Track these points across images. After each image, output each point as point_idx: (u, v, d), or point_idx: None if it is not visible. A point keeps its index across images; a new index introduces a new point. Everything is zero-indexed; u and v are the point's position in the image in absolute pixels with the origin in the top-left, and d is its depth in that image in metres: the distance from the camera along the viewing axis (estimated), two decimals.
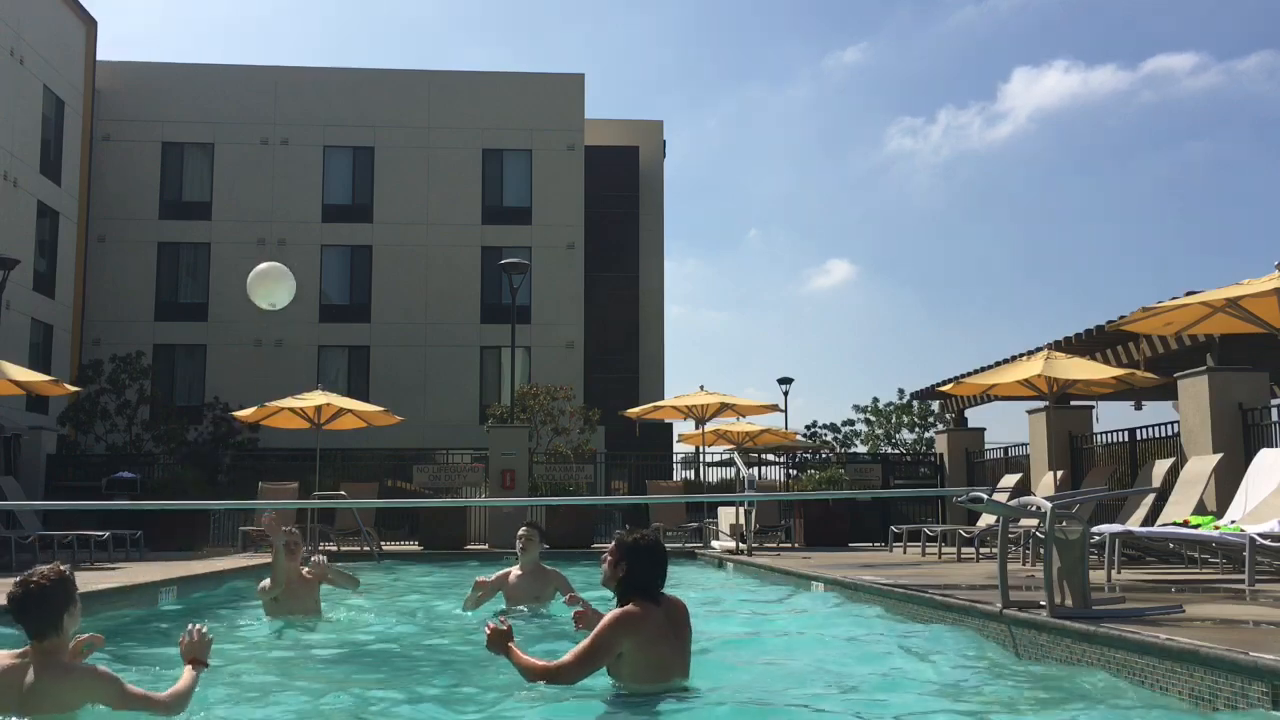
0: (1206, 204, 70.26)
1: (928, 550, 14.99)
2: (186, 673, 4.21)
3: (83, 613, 4.24)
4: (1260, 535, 8.27)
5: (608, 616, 4.90)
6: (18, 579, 4.04)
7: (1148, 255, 70.21)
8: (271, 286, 8.09)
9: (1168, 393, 15.00)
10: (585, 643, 4.85)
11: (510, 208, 35.72)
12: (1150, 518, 10.90)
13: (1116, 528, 9.85)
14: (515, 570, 8.52)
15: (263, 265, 8.22)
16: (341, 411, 18.60)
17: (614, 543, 5.08)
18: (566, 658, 4.85)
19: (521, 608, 8.27)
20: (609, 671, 4.91)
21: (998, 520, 7.08)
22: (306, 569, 8.02)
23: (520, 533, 8.56)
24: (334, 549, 17.58)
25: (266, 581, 7.91)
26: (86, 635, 4.29)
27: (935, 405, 37.64)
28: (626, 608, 4.88)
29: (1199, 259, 68.41)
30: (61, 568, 4.12)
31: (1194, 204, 70.56)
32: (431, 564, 15.85)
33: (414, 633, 7.99)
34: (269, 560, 8.00)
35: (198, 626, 4.43)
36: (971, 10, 68.00)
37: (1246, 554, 8.07)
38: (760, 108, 73.96)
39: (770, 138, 74.45)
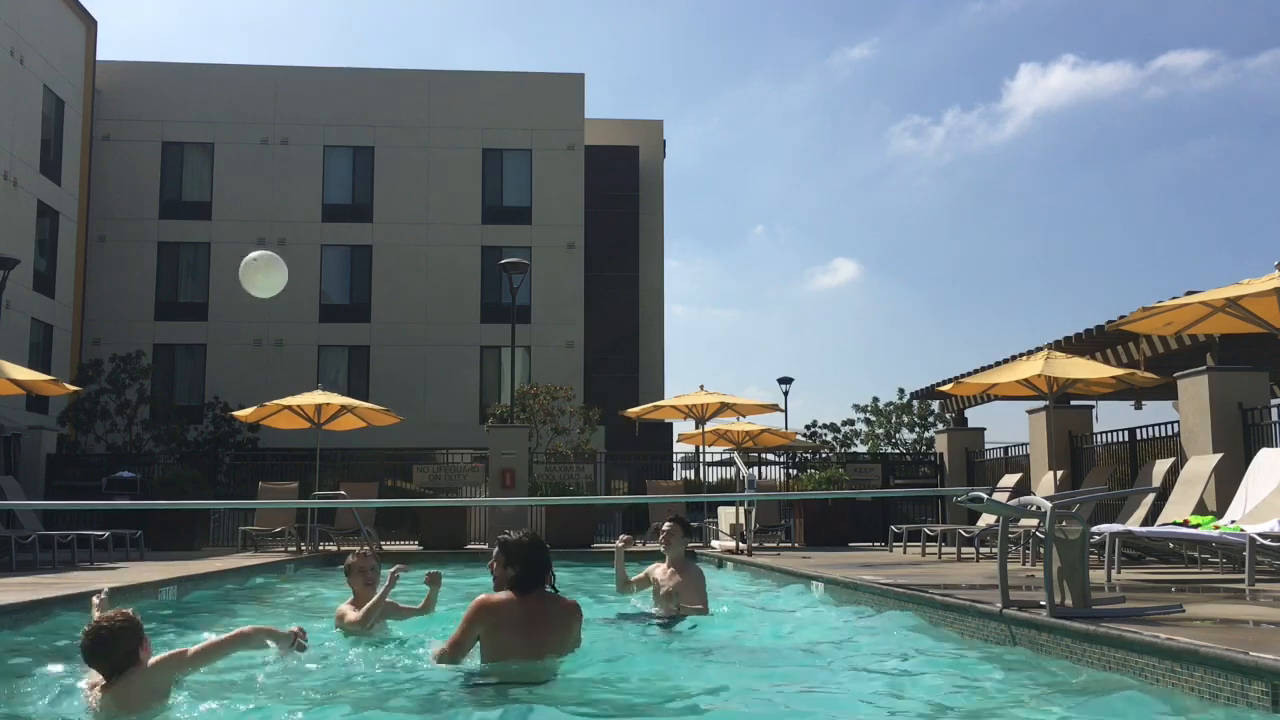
0: (1210, 203, 70.29)
1: (928, 550, 14.99)
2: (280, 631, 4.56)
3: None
4: (1260, 535, 8.27)
5: (472, 602, 5.37)
6: (87, 629, 4.35)
7: (1149, 255, 70.25)
8: (264, 277, 7.84)
9: (1168, 392, 15.00)
10: (455, 631, 5.38)
11: (510, 207, 35.74)
12: (1150, 517, 10.91)
13: (1116, 527, 9.85)
14: (660, 565, 8.22)
15: (254, 255, 7.96)
16: (341, 411, 18.59)
17: (499, 546, 5.52)
18: (445, 646, 5.40)
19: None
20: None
21: (998, 520, 7.09)
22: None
23: (665, 527, 8.19)
24: (334, 549, 17.58)
25: (350, 611, 7.02)
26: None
27: (935, 405, 37.65)
28: (488, 595, 5.40)
29: (1201, 259, 68.45)
30: (127, 611, 4.47)
31: (1198, 203, 70.61)
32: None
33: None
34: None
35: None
36: (980, 5, 68.04)
37: (1246, 554, 8.07)
38: (766, 105, 74.02)
39: (776, 135, 74.49)
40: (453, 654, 5.34)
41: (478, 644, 5.35)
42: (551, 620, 5.41)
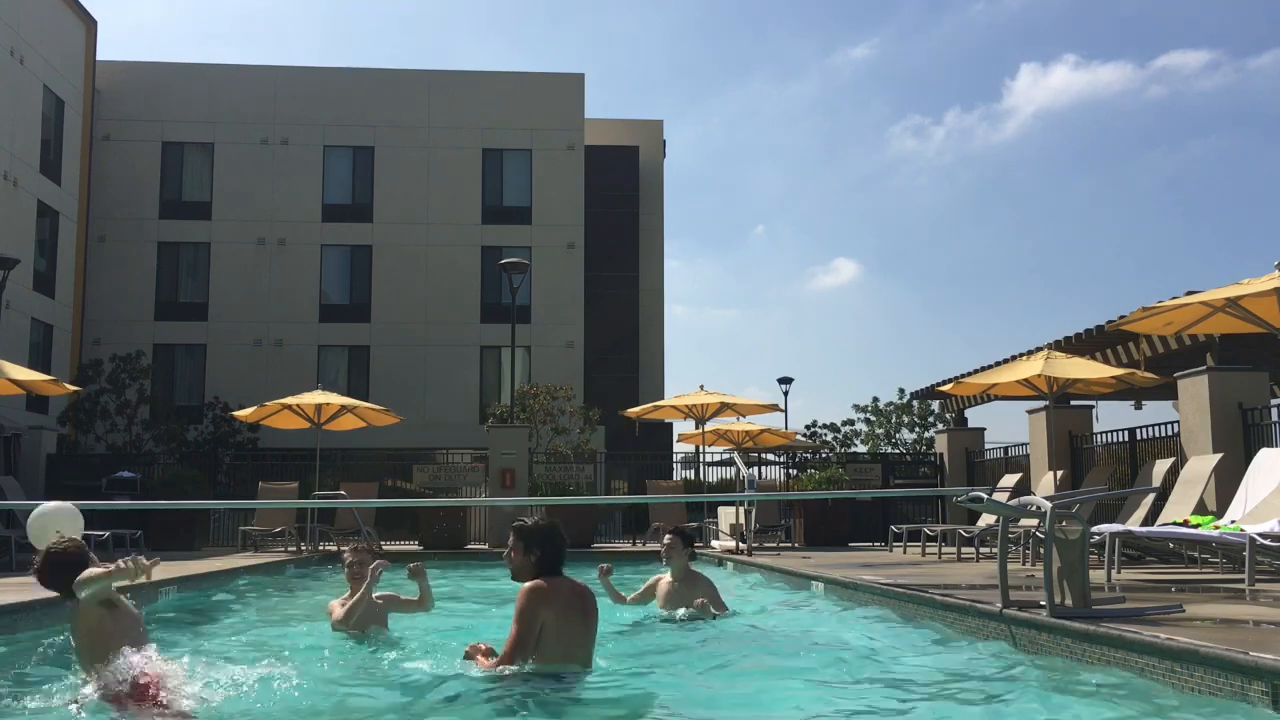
0: (1210, 203, 70.28)
1: (928, 550, 14.99)
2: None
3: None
4: (1260, 535, 8.27)
5: (522, 592, 5.05)
6: (43, 552, 4.94)
7: (1149, 255, 70.26)
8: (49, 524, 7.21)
9: (1168, 392, 15.00)
10: (512, 629, 5.01)
11: (510, 207, 35.74)
12: (1150, 517, 10.91)
13: (1116, 527, 9.85)
14: (666, 577, 8.26)
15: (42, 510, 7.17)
16: (341, 411, 18.59)
17: (514, 533, 5.25)
18: (504, 650, 5.04)
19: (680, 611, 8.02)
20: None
21: (998, 520, 7.09)
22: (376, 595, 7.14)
23: (665, 541, 8.24)
24: (334, 549, 17.59)
25: (338, 608, 7.11)
26: None
27: (935, 405, 37.65)
28: (536, 581, 5.07)
29: (1201, 259, 68.45)
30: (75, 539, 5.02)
31: (1198, 203, 70.59)
32: (431, 565, 15.82)
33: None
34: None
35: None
36: (981, 5, 68.03)
37: (1246, 554, 8.07)
38: (766, 105, 74.02)
39: (776, 135, 74.48)
40: (517, 656, 4.98)
41: None
42: (591, 601, 5.24)
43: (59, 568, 4.80)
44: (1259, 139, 66.77)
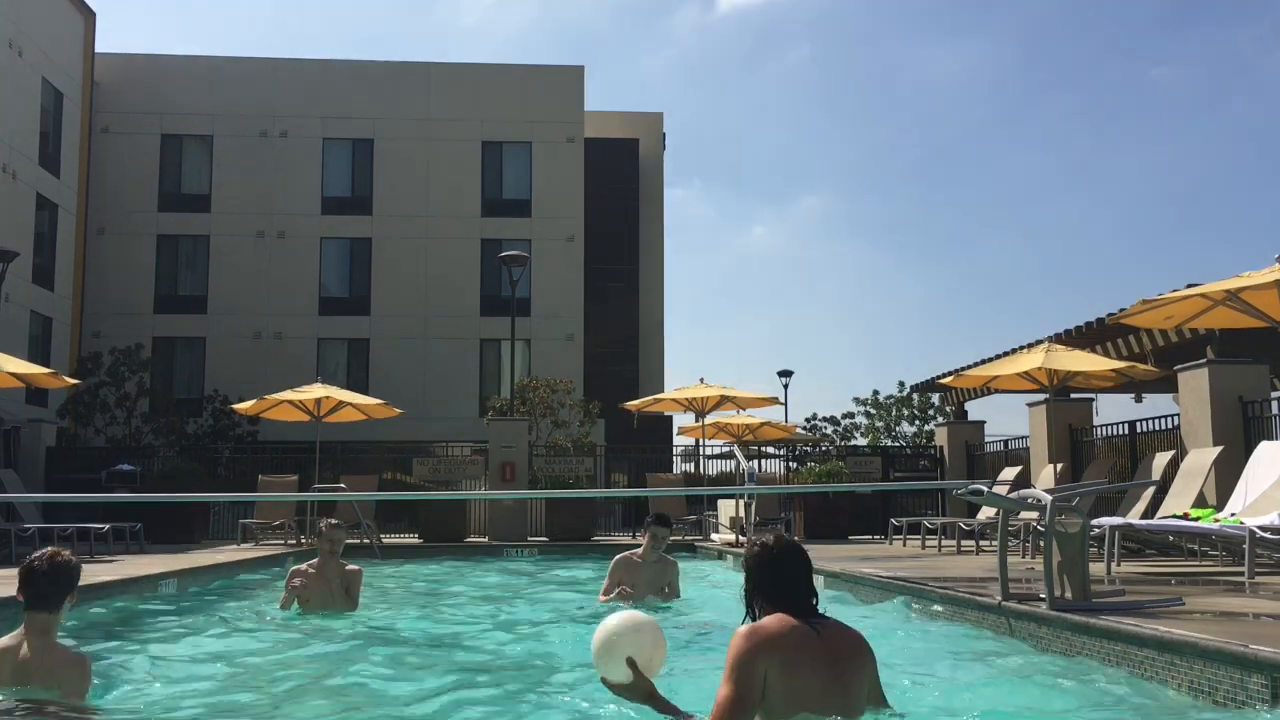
0: (1211, 198, 70.19)
1: (927, 543, 15.00)
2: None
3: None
4: (1260, 528, 8.27)
5: (735, 637, 3.79)
6: (38, 554, 4.26)
7: (1149, 248, 70.19)
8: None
9: (1168, 385, 14.98)
10: (721, 688, 3.69)
11: (510, 200, 35.70)
12: (1150, 510, 10.91)
13: (1116, 520, 9.85)
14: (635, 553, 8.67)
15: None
16: (341, 404, 18.58)
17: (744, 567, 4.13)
18: (712, 716, 3.66)
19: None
20: None
21: (997, 513, 7.09)
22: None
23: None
24: None
25: (303, 578, 7.80)
26: None
27: (935, 398, 37.64)
28: (756, 622, 3.87)
29: (1202, 258, 68.40)
30: (72, 557, 4.34)
31: (1199, 197, 70.50)
32: (431, 557, 15.86)
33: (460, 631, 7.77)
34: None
35: None
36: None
37: (1246, 547, 8.08)
38: (769, 101, 73.88)
39: (779, 131, 74.35)
40: (735, 715, 3.60)
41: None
42: (849, 652, 3.84)
43: (70, 575, 4.25)
44: (1260, 135, 66.70)
